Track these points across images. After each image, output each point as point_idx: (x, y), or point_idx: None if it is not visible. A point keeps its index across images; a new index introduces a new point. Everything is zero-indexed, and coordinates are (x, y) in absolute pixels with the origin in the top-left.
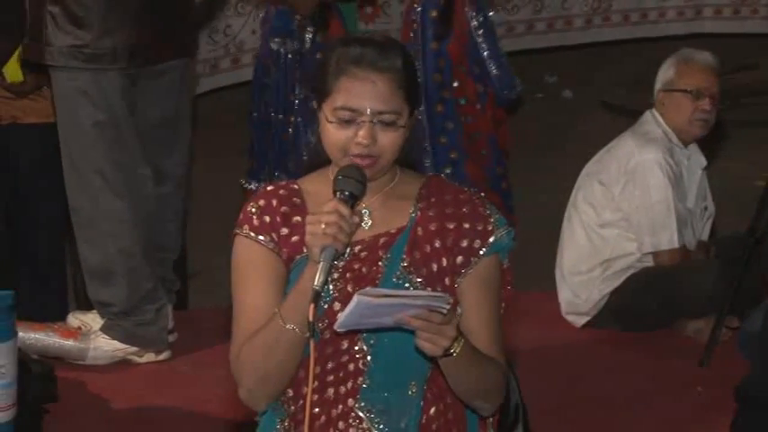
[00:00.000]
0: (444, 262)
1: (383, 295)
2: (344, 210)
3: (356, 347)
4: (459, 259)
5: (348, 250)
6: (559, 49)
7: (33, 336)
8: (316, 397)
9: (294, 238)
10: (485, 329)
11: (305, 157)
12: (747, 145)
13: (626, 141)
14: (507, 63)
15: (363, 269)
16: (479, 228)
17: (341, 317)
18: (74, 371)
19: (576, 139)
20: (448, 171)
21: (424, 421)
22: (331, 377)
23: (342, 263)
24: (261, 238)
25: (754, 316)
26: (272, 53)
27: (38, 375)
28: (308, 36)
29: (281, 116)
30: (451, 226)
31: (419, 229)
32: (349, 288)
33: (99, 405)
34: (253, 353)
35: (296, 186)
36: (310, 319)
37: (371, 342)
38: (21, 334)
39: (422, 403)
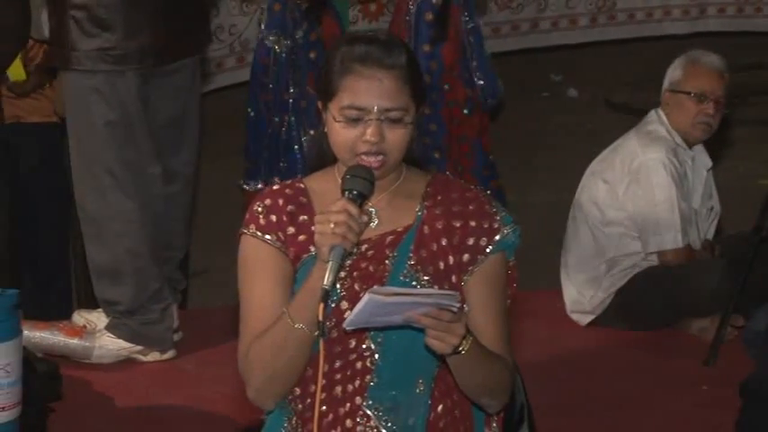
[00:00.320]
0: (451, 260)
1: (394, 294)
2: (353, 209)
3: (364, 346)
4: (466, 257)
5: (355, 249)
6: (564, 48)
7: (38, 334)
8: (323, 395)
9: (301, 238)
10: (491, 327)
11: (298, 156)
12: (754, 144)
13: (630, 141)
14: (492, 67)
15: (371, 268)
16: (486, 225)
17: (350, 315)
18: (79, 369)
19: (581, 138)
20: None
21: (431, 419)
22: (339, 375)
23: (349, 262)
24: (267, 237)
25: (760, 315)
26: (269, 51)
27: (43, 374)
28: (300, 33)
29: (276, 118)
30: (458, 224)
31: (426, 227)
32: (356, 287)
33: (104, 404)
34: (261, 352)
35: (302, 185)
36: (320, 318)
37: (379, 340)
38: (26, 332)
39: (429, 401)
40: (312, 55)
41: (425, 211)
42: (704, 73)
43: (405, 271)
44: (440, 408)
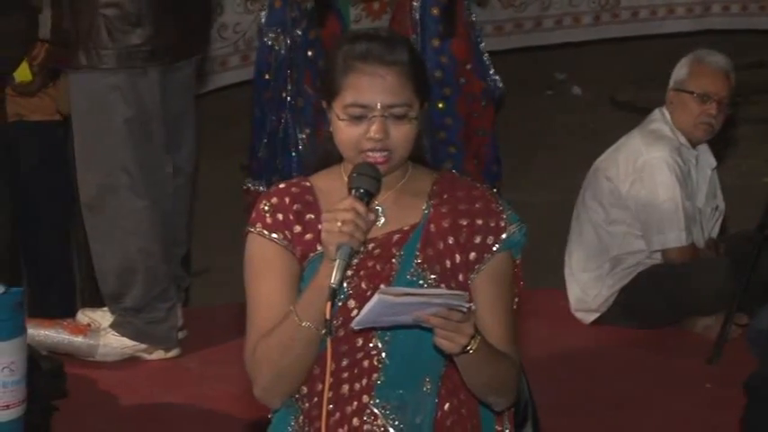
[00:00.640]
0: (458, 258)
1: (403, 294)
2: (360, 208)
3: (371, 344)
4: (473, 256)
5: (362, 248)
6: (567, 46)
7: (43, 332)
8: (330, 394)
9: (307, 236)
10: (498, 325)
11: (294, 155)
12: (757, 142)
13: (634, 139)
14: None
15: (377, 266)
16: (492, 224)
17: (359, 315)
18: (83, 367)
19: (584, 137)
20: (449, 166)
21: (438, 417)
22: (346, 374)
23: (356, 260)
24: (274, 235)
25: (763, 313)
26: (270, 49)
27: (47, 372)
28: (299, 31)
29: (274, 116)
30: (464, 222)
31: (432, 225)
32: (363, 285)
33: (108, 402)
34: (268, 351)
35: (308, 183)
36: (327, 317)
37: (386, 339)
38: (30, 331)
39: (436, 399)
40: (310, 53)
41: (432, 210)
42: (709, 73)
43: (411, 269)
44: (447, 406)
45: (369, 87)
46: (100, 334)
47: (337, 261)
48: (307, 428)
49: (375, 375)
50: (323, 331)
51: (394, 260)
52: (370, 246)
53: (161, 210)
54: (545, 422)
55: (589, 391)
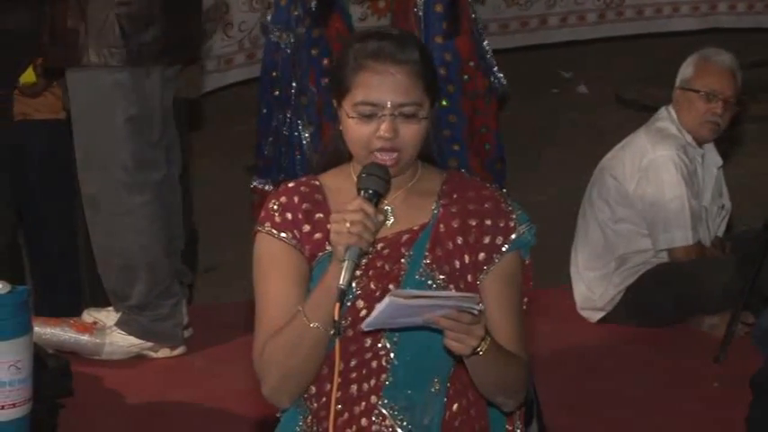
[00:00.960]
0: (467, 259)
1: (414, 296)
2: (369, 208)
3: (379, 345)
4: (482, 256)
5: (371, 248)
6: (573, 44)
7: (49, 331)
8: (339, 394)
9: (316, 236)
10: (507, 326)
11: (297, 153)
12: (763, 141)
13: (640, 138)
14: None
15: (386, 267)
16: (501, 224)
17: (370, 317)
18: (90, 366)
19: (591, 135)
20: (453, 164)
21: (446, 418)
22: (354, 374)
23: (365, 261)
24: (283, 235)
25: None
26: (277, 46)
27: (53, 370)
28: (302, 29)
29: (279, 114)
30: (474, 223)
31: (441, 225)
32: (372, 286)
33: (115, 400)
34: (276, 351)
35: (317, 183)
36: (336, 318)
37: (395, 339)
38: (37, 329)
39: (445, 400)
40: (314, 52)
41: (441, 210)
42: (715, 72)
43: (420, 270)
44: (455, 407)
45: (379, 86)
46: (106, 332)
47: (346, 262)
48: (315, 428)
49: (383, 376)
50: (331, 332)
51: (403, 260)
52: (379, 246)
53: (161, 206)
54: (550, 420)
55: (595, 390)
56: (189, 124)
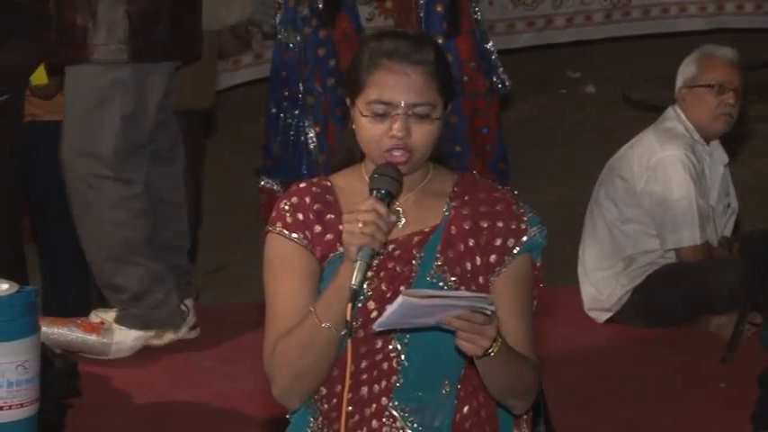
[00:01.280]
0: (478, 261)
1: (427, 296)
2: (382, 209)
3: (390, 346)
4: (493, 258)
5: (383, 249)
6: (579, 44)
7: (57, 331)
8: (349, 395)
9: (328, 236)
10: (518, 327)
11: (303, 152)
12: None
13: (648, 138)
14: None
15: (397, 268)
16: (513, 226)
17: (382, 317)
18: (97, 366)
19: (599, 135)
20: (454, 165)
21: (457, 420)
22: (365, 376)
23: (376, 262)
24: (294, 235)
25: None
26: (286, 46)
27: (61, 370)
28: (309, 30)
29: (287, 114)
30: (485, 224)
31: (453, 227)
32: (383, 287)
33: (122, 400)
34: (287, 351)
35: (328, 183)
36: (348, 318)
37: (405, 341)
38: (44, 329)
39: (455, 402)
40: (320, 52)
41: (452, 211)
42: (720, 65)
43: (432, 271)
44: (465, 409)
45: (394, 85)
46: (113, 332)
47: (358, 262)
48: (325, 430)
49: (394, 378)
50: (342, 332)
51: (414, 262)
52: (391, 247)
53: (148, 202)
54: (558, 421)
55: (602, 390)
56: (203, 132)
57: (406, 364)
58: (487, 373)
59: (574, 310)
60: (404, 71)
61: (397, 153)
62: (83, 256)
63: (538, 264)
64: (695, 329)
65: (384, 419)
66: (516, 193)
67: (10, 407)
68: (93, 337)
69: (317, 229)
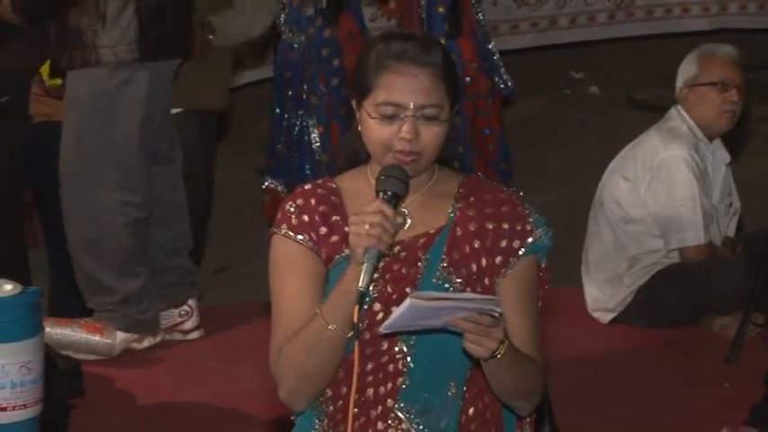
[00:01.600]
0: (484, 262)
1: (435, 298)
2: (388, 211)
3: (396, 348)
4: (499, 259)
5: (389, 251)
6: (582, 45)
7: (60, 331)
8: (355, 397)
9: (333, 238)
10: (523, 329)
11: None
12: None
13: (651, 137)
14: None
15: (403, 270)
16: (518, 228)
17: (389, 319)
18: (100, 366)
19: (602, 135)
20: (456, 165)
21: (463, 421)
22: (371, 378)
23: (382, 263)
24: (300, 237)
25: None
26: (291, 46)
27: (64, 371)
28: (313, 30)
29: (292, 115)
30: (491, 226)
31: (458, 229)
32: (389, 289)
33: (125, 401)
34: (293, 353)
35: (334, 185)
36: (355, 320)
37: (411, 343)
38: (48, 329)
39: (461, 403)
40: (324, 52)
41: (458, 213)
42: (722, 63)
43: (437, 273)
44: (471, 410)
45: (402, 87)
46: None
47: (365, 264)
48: (331, 431)
49: (400, 379)
50: (349, 334)
51: (420, 263)
52: (396, 249)
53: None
54: (562, 421)
55: (606, 391)
56: (215, 134)
57: (411, 365)
58: (493, 375)
59: (577, 310)
60: (412, 73)
61: (405, 156)
62: None
63: (543, 265)
64: (699, 330)
65: (390, 421)
66: (521, 194)
67: (14, 407)
68: (96, 338)
69: (323, 230)
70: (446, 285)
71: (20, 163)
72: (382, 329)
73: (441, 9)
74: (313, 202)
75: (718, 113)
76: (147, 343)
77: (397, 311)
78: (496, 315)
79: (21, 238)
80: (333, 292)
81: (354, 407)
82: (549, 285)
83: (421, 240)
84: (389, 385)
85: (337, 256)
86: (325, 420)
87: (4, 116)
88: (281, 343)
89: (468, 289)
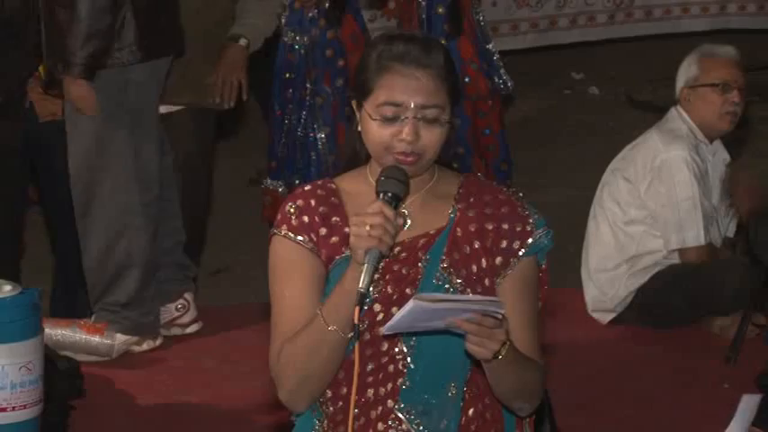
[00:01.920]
0: (484, 263)
1: (439, 299)
2: (389, 212)
3: (396, 349)
4: (499, 260)
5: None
6: (583, 45)
7: (60, 332)
8: (356, 398)
9: (333, 239)
10: (523, 330)
11: (312, 154)
12: None
13: (651, 138)
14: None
15: (403, 270)
16: (518, 228)
17: (392, 320)
18: (100, 367)
19: (602, 136)
20: (455, 166)
21: (463, 422)
22: (371, 378)
23: (382, 264)
24: (299, 238)
25: None
26: (291, 48)
27: (64, 371)
28: (317, 31)
29: (293, 115)
30: (491, 227)
31: (458, 229)
32: (389, 289)
33: (125, 401)
34: (294, 354)
35: (333, 186)
36: (356, 321)
37: (411, 343)
38: (47, 330)
39: (461, 404)
40: (329, 53)
41: (458, 214)
42: (723, 64)
43: (437, 273)
44: (471, 411)
45: (404, 87)
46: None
47: (365, 265)
48: None
49: (400, 380)
50: (350, 335)
51: (420, 264)
52: (396, 249)
53: (156, 204)
54: (562, 421)
55: (606, 391)
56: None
57: (412, 366)
58: (495, 376)
59: (577, 310)
60: (414, 74)
61: (406, 157)
62: None
63: (543, 266)
64: (698, 330)
65: (390, 422)
66: (522, 194)
67: (14, 408)
68: (96, 339)
69: (323, 231)
70: (446, 286)
71: (18, 163)
72: (385, 330)
73: (440, 10)
74: (313, 202)
75: (719, 115)
76: (146, 345)
77: (400, 312)
78: (499, 317)
79: (17, 238)
80: (333, 293)
81: (355, 407)
82: (549, 285)
83: (421, 241)
84: (390, 386)
85: (337, 257)
86: (325, 421)
87: (1, 116)
88: (281, 344)
89: (469, 289)
